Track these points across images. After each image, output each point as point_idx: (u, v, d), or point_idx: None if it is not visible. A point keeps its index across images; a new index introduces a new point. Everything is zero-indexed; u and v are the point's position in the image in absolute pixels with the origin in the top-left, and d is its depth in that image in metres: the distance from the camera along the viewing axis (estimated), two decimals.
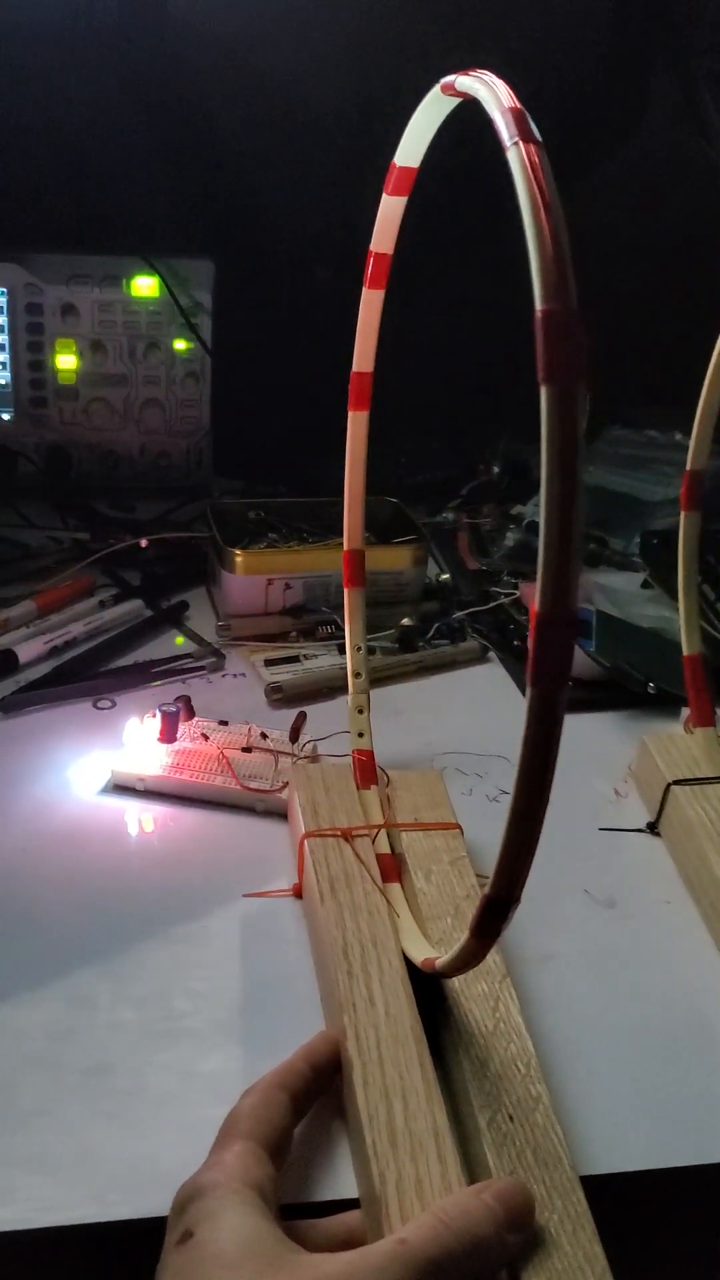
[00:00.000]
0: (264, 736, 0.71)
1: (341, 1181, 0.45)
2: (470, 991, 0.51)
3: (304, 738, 0.71)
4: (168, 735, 0.69)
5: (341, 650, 0.84)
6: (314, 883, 0.57)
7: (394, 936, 0.53)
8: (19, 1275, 0.44)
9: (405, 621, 0.87)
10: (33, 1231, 0.43)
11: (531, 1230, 0.40)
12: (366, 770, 0.65)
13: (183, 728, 0.70)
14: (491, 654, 0.88)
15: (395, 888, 0.57)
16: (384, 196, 0.56)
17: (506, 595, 0.94)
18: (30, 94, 1.04)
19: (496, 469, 1.12)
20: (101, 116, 1.06)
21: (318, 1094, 0.47)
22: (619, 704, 0.80)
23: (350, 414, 0.62)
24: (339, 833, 0.60)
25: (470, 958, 0.44)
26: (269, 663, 0.83)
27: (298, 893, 0.60)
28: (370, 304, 0.59)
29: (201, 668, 0.83)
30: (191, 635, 0.88)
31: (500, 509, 1.09)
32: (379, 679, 0.82)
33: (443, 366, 1.11)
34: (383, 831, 0.61)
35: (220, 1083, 0.48)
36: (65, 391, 1.08)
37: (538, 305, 0.34)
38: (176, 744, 0.69)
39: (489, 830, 0.68)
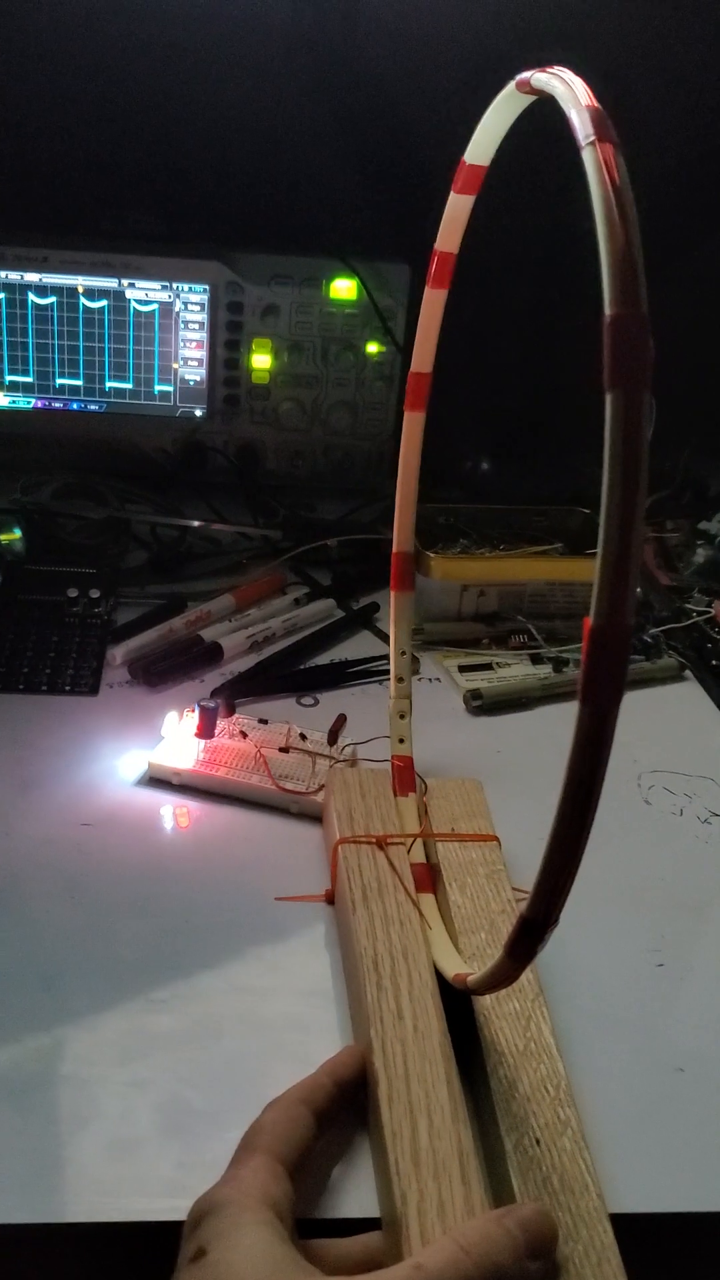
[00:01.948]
0: (303, 738, 0.70)
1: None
2: (502, 1009, 0.50)
3: (342, 741, 0.70)
4: (205, 731, 0.69)
5: (536, 660, 0.85)
6: (346, 890, 0.56)
7: (425, 949, 0.52)
8: None
9: None
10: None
11: (553, 1261, 0.39)
12: (405, 777, 0.64)
13: (221, 724, 0.69)
14: (688, 672, 0.86)
15: (429, 899, 0.56)
16: (451, 194, 0.55)
17: (700, 613, 0.92)
18: (240, 97, 1.05)
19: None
20: (305, 121, 1.07)
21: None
22: None
23: (406, 414, 0.61)
24: (374, 840, 0.59)
25: (503, 977, 0.42)
26: (463, 669, 0.83)
27: (330, 899, 0.59)
28: (433, 304, 0.58)
29: None
30: (384, 637, 0.87)
31: (687, 523, 1.07)
32: (575, 691, 0.81)
33: None
34: (418, 841, 0.60)
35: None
36: (258, 391, 1.08)
37: (606, 310, 0.33)
38: (214, 740, 0.69)
39: (677, 848, 0.66)
